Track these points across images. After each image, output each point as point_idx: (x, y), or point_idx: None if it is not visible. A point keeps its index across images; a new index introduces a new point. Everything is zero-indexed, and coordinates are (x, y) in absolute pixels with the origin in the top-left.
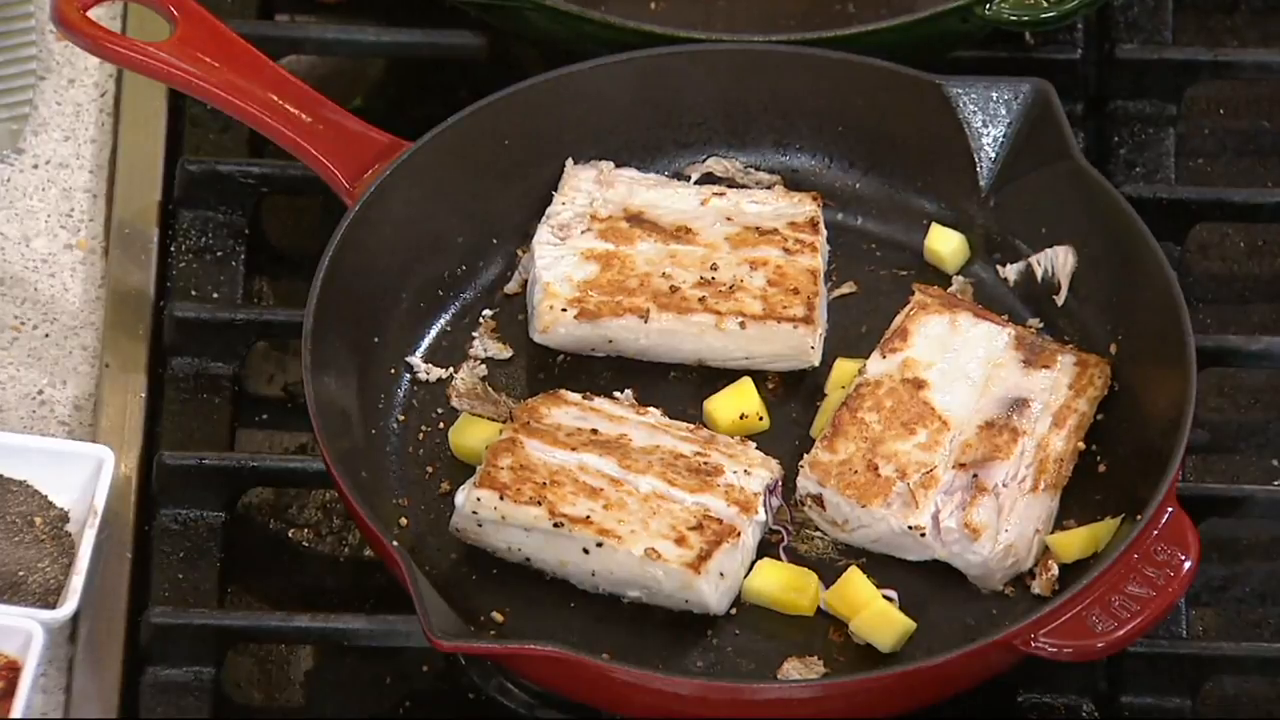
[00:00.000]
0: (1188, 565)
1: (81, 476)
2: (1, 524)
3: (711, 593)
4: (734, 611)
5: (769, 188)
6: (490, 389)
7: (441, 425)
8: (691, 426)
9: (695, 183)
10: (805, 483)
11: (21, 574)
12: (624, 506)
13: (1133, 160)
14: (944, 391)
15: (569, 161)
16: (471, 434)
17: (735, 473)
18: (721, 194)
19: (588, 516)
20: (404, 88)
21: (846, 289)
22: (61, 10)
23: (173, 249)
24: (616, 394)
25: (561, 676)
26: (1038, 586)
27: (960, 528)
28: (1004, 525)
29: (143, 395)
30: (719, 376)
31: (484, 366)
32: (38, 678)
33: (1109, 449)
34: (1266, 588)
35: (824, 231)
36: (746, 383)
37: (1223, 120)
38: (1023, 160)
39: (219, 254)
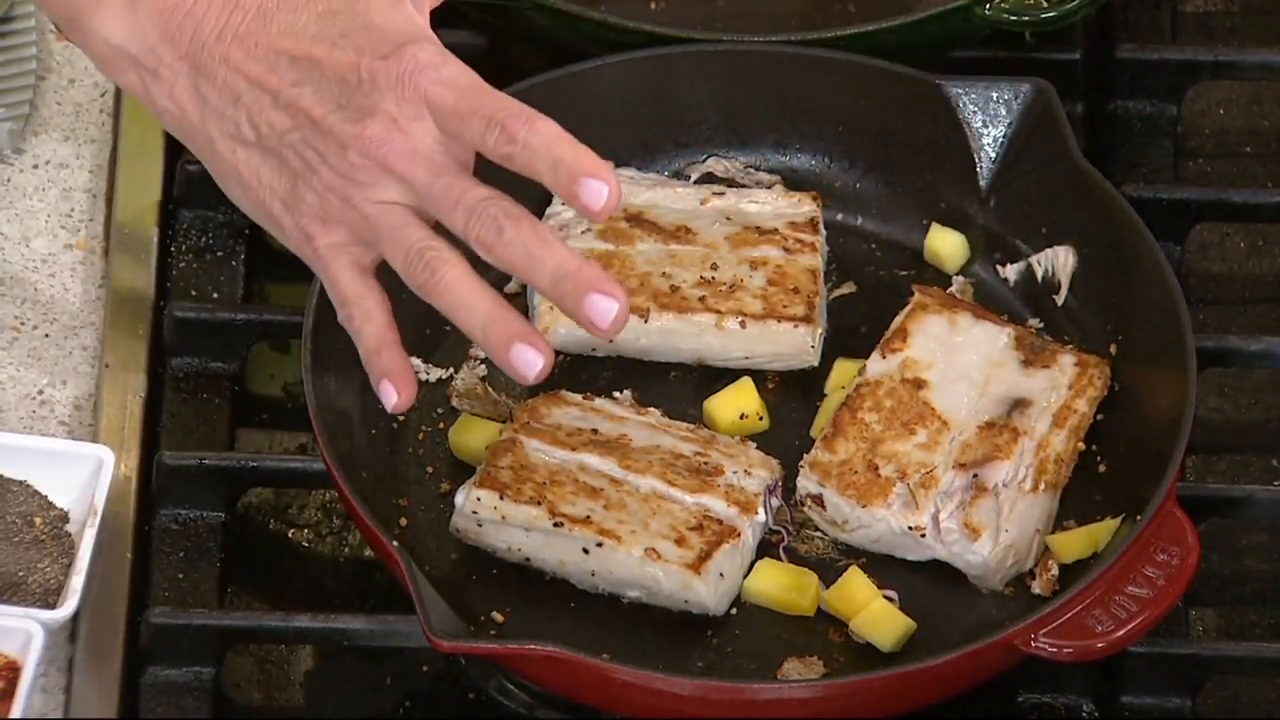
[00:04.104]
0: (1188, 565)
1: (81, 476)
2: (1, 524)
3: (711, 593)
4: (734, 611)
5: (769, 188)
6: (490, 389)
7: (441, 425)
8: (691, 426)
9: (695, 183)
10: (805, 483)
11: (21, 574)
12: (624, 506)
13: (1133, 160)
14: (944, 391)
15: None
16: (471, 434)
17: (735, 473)
18: (721, 194)
19: (588, 516)
20: None
21: (846, 289)
22: None
23: (173, 249)
24: (616, 394)
25: (561, 676)
26: (1038, 586)
27: (960, 528)
28: (1004, 525)
29: (143, 395)
30: (719, 376)
31: (484, 366)
32: (38, 678)
33: (1109, 449)
34: (1266, 588)
35: (823, 231)
36: (746, 383)
37: (1223, 120)
38: (1023, 160)
39: (219, 254)
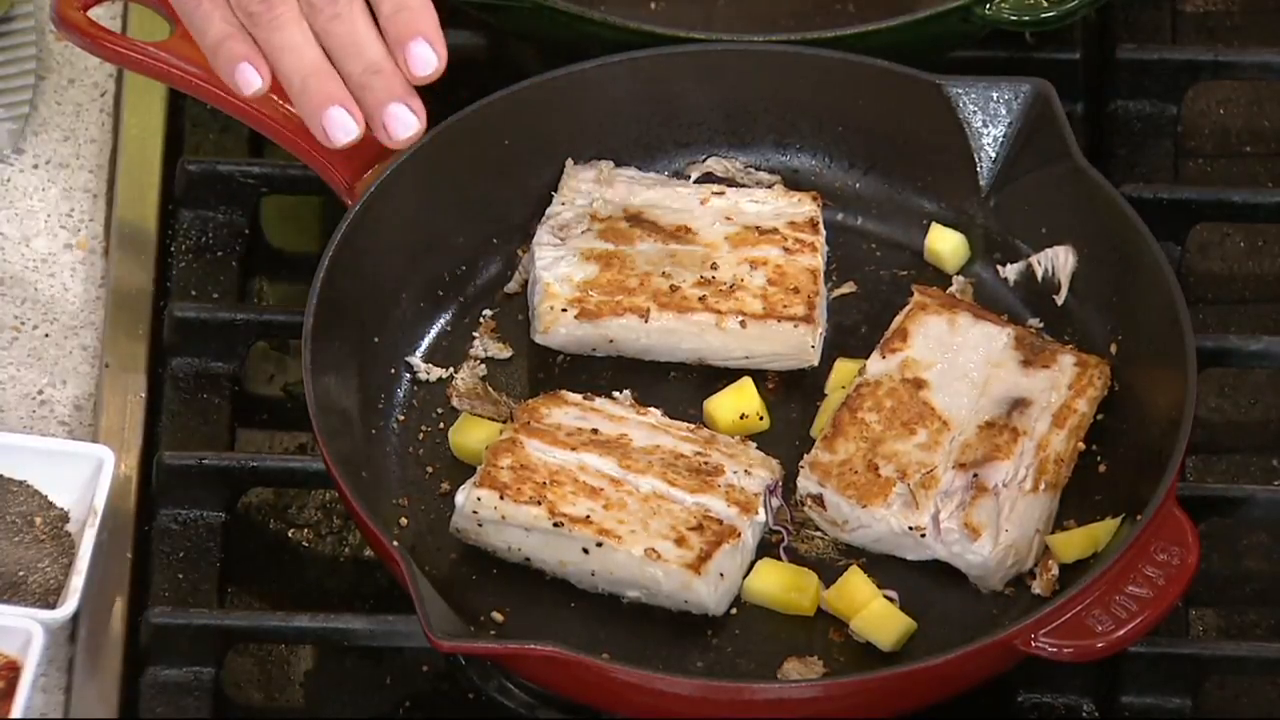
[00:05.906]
0: (1188, 565)
1: (81, 476)
2: (1, 524)
3: (710, 593)
4: (734, 611)
5: (769, 187)
6: (490, 389)
7: (441, 425)
8: (691, 426)
9: (695, 182)
10: (805, 483)
11: (21, 574)
12: (624, 506)
13: (1133, 160)
14: (944, 391)
15: (569, 161)
16: (471, 434)
17: (735, 473)
18: (721, 194)
19: (588, 516)
20: None
21: (846, 289)
22: (61, 10)
23: (173, 249)
24: (616, 394)
25: (561, 676)
26: (1038, 586)
27: (960, 528)
28: (1004, 525)
29: (143, 395)
30: (719, 376)
31: (484, 366)
32: (38, 678)
33: (1109, 449)
34: (1266, 588)
35: (824, 231)
36: (746, 383)
37: (1223, 120)
38: (1023, 160)
39: (219, 254)
